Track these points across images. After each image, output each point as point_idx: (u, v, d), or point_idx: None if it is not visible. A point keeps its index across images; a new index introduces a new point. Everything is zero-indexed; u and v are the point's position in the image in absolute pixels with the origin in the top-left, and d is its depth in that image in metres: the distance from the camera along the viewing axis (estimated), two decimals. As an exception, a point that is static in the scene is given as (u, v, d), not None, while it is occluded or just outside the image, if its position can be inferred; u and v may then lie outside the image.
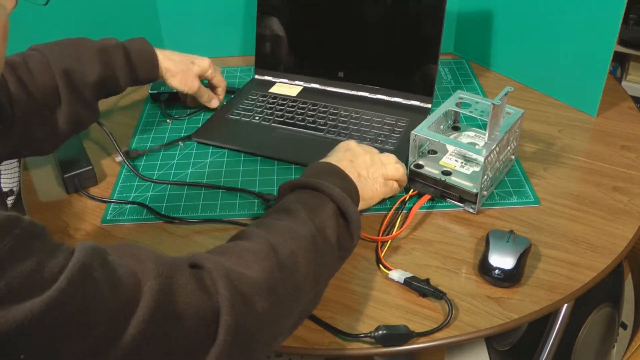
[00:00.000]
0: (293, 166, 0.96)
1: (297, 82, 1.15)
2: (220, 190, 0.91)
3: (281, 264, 0.59)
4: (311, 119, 1.04)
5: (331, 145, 0.96)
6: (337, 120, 1.03)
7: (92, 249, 0.48)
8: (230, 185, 0.92)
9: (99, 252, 0.49)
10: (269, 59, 1.17)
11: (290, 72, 1.16)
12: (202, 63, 1.04)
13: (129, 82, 0.96)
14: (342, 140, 0.97)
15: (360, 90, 1.10)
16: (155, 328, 0.48)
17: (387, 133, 0.99)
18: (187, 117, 1.10)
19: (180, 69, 1.01)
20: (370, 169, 0.81)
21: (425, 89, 1.05)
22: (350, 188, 0.75)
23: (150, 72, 0.98)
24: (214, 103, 1.09)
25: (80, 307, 0.44)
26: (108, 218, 0.87)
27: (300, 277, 0.61)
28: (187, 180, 0.93)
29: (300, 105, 1.08)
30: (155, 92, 1.13)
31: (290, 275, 0.60)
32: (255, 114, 1.06)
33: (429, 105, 1.05)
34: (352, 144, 0.84)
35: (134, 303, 0.47)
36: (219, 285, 0.53)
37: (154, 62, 0.98)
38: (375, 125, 1.01)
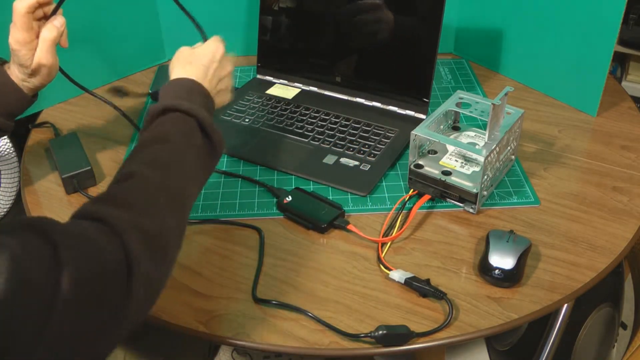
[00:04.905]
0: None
1: (295, 85, 1.15)
2: (220, 191, 0.91)
3: (174, 202, 0.63)
4: (300, 124, 1.03)
5: (312, 153, 0.97)
6: (326, 127, 1.02)
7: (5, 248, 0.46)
8: (230, 185, 0.92)
9: (10, 246, 0.47)
10: (270, 60, 1.17)
11: (290, 73, 1.16)
12: (16, 48, 0.80)
13: (3, 118, 0.83)
14: (323, 149, 0.98)
15: (356, 97, 1.10)
16: (80, 293, 0.48)
17: (373, 144, 0.98)
18: (187, 117, 1.10)
19: (39, 81, 0.84)
20: (226, 81, 0.83)
21: (421, 99, 1.04)
22: (210, 106, 0.78)
23: (18, 101, 0.84)
24: (58, 23, 0.82)
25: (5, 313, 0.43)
26: (108, 218, 0.87)
27: (187, 196, 0.66)
28: (187, 180, 0.94)
29: (293, 109, 1.08)
30: (156, 92, 1.13)
31: (182, 209, 0.64)
32: (247, 116, 1.06)
33: (424, 116, 1.04)
34: (217, 50, 0.82)
35: (56, 285, 0.47)
36: (125, 240, 0.54)
37: (13, 91, 0.83)
38: (363, 134, 1.00)
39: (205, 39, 0.86)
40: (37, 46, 0.80)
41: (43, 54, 0.80)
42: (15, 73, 0.83)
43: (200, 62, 0.80)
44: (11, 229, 0.50)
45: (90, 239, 0.53)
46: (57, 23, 0.81)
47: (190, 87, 0.76)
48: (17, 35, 0.79)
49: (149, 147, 0.67)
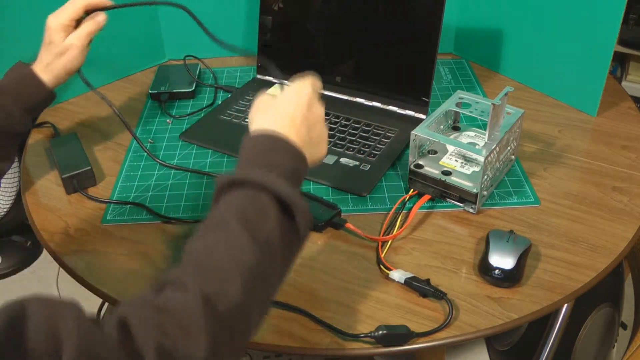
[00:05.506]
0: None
1: (296, 84, 1.15)
2: (220, 190, 0.91)
3: (222, 321, 0.50)
4: None
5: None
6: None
7: (4, 329, 0.42)
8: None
9: (13, 327, 0.42)
10: (270, 60, 1.17)
11: (290, 74, 1.15)
12: (53, 26, 0.85)
13: (23, 114, 0.83)
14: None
15: (356, 97, 1.10)
16: None
17: (373, 144, 0.98)
18: (187, 117, 1.10)
19: (60, 64, 0.86)
20: (319, 129, 0.67)
21: (421, 99, 1.04)
22: (300, 168, 0.62)
23: (38, 93, 0.85)
24: (101, 18, 0.88)
25: None
26: (108, 218, 0.87)
27: (245, 319, 0.52)
28: (188, 180, 0.94)
29: None
30: (155, 92, 1.13)
31: (232, 326, 0.51)
32: (247, 116, 1.06)
33: (424, 116, 1.03)
34: (303, 90, 0.66)
35: None
36: (144, 355, 0.45)
37: (32, 83, 0.85)
38: (363, 134, 1.00)
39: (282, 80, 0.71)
40: (71, 32, 0.86)
41: (77, 36, 0.86)
42: (42, 57, 0.86)
43: (284, 107, 0.64)
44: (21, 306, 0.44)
45: (104, 344, 0.45)
46: (100, 19, 0.88)
47: (272, 144, 0.61)
48: (62, 18, 0.85)
49: (205, 241, 0.55)
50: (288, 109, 0.64)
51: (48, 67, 0.85)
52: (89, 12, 0.88)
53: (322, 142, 0.67)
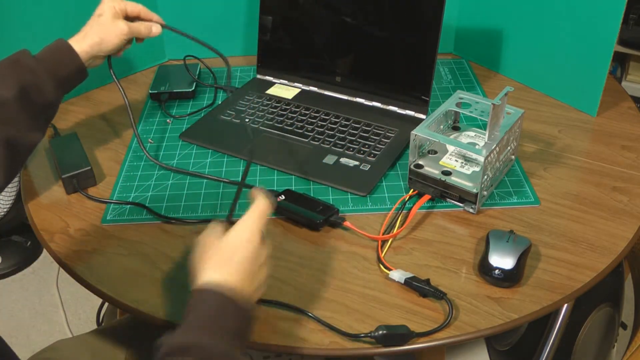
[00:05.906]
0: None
1: (295, 85, 1.15)
2: (220, 191, 0.91)
3: None
4: (300, 124, 1.03)
5: (312, 153, 0.97)
6: (326, 126, 1.02)
7: None
8: (230, 186, 0.92)
9: None
10: (270, 60, 1.17)
11: (290, 73, 1.16)
12: (107, 5, 0.89)
13: (53, 82, 0.83)
14: (324, 149, 0.97)
15: (356, 97, 1.10)
16: None
17: (373, 144, 0.98)
18: (187, 117, 1.10)
19: (99, 35, 0.88)
20: (265, 269, 0.65)
21: (421, 99, 1.04)
22: (248, 328, 0.60)
23: (70, 63, 0.85)
24: (156, 29, 0.94)
25: None
26: (108, 218, 0.87)
27: None
28: (187, 180, 0.94)
29: (293, 109, 1.08)
30: (155, 92, 1.13)
31: None
32: (247, 116, 1.06)
33: (424, 116, 1.04)
34: (253, 237, 0.63)
35: None
36: None
37: (66, 52, 0.85)
38: (363, 134, 1.00)
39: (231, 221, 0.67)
40: (121, 19, 0.90)
41: (130, 25, 0.90)
42: (85, 28, 0.88)
43: (234, 256, 0.61)
44: None
45: None
46: (155, 30, 0.94)
47: (222, 305, 0.58)
48: (117, 3, 0.89)
49: None
50: (238, 258, 0.61)
51: (86, 36, 0.87)
52: (138, 18, 0.93)
53: (263, 285, 0.65)
